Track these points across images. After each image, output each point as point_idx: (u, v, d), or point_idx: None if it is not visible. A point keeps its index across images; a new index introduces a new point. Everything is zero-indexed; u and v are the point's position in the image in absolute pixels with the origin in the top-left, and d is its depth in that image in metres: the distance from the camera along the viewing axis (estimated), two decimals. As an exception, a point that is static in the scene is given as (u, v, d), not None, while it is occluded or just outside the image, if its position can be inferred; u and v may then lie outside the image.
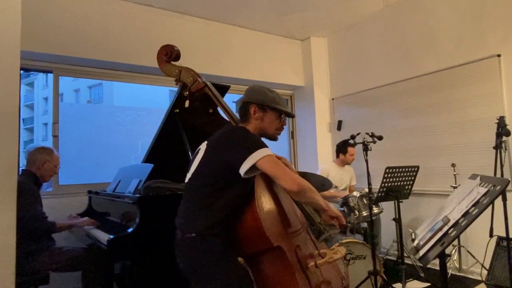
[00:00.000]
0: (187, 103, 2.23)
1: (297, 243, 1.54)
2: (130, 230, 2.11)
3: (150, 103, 7.37)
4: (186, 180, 1.57)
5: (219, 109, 1.98)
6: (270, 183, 1.58)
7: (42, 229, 2.37)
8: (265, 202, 1.47)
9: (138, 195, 2.23)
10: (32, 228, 2.31)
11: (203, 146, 1.58)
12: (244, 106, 1.61)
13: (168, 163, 2.53)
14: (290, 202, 1.68)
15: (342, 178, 3.78)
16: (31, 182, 2.45)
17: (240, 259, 1.50)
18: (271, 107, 1.58)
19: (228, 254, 1.41)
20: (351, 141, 2.89)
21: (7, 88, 1.51)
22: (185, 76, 1.95)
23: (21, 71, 3.35)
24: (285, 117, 1.66)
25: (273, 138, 1.65)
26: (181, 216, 1.51)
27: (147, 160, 2.68)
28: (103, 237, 2.23)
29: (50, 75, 3.44)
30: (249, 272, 1.44)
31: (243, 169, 1.37)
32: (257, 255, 1.45)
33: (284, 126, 1.68)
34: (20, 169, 3.18)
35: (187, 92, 2.42)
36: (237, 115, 1.86)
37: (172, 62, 1.98)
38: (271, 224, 1.44)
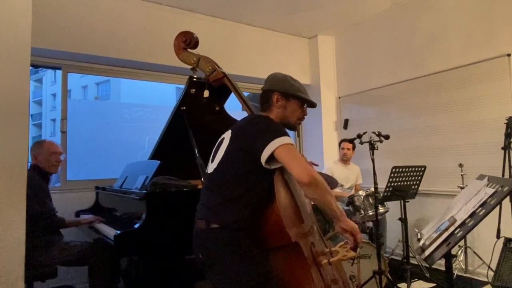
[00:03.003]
0: (206, 93, 2.19)
1: (311, 240, 1.54)
2: (136, 225, 2.13)
3: (157, 100, 7.43)
4: (211, 170, 1.53)
5: (240, 103, 1.92)
6: (287, 180, 1.58)
7: (53, 225, 2.42)
8: (284, 198, 1.47)
9: (144, 191, 2.25)
10: (44, 224, 2.36)
11: (227, 135, 1.54)
12: (265, 94, 1.57)
13: (175, 160, 2.55)
14: (304, 199, 1.68)
15: (347, 177, 3.78)
16: (38, 176, 2.48)
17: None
18: (294, 96, 1.55)
19: (252, 250, 1.39)
20: (358, 140, 2.88)
21: (18, 84, 1.54)
22: (203, 64, 1.87)
23: (30, 68, 3.39)
24: (307, 107, 1.63)
25: (294, 127, 1.62)
26: (205, 206, 1.47)
27: (153, 156, 2.70)
28: (110, 232, 2.26)
29: (59, 72, 3.48)
30: (270, 269, 1.43)
31: (263, 158, 1.35)
32: (275, 250, 1.45)
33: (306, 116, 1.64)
34: (29, 163, 3.22)
35: (193, 90, 2.44)
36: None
37: (190, 50, 1.91)
38: (290, 220, 1.44)
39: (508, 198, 2.44)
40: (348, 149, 3.77)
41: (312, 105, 1.63)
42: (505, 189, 1.20)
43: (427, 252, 1.31)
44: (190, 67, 1.89)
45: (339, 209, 1.48)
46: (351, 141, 3.68)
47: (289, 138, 1.40)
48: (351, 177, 3.81)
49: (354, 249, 1.44)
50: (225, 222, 1.39)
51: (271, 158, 1.36)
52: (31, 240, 2.21)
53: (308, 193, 1.40)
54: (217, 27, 4.06)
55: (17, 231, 1.51)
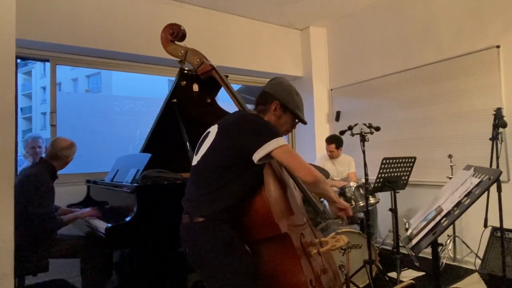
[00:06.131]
0: (195, 87, 2.18)
1: (301, 231, 1.56)
2: (128, 219, 2.13)
3: (149, 92, 7.35)
4: (194, 163, 1.54)
5: (229, 97, 1.91)
6: (277, 171, 1.59)
7: (50, 228, 2.34)
8: (274, 190, 1.48)
9: (135, 184, 2.25)
10: (41, 226, 2.28)
11: (213, 129, 1.55)
12: (265, 97, 1.58)
13: (166, 153, 2.54)
14: (294, 191, 1.69)
15: (337, 169, 3.80)
16: (48, 175, 2.42)
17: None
18: (292, 112, 1.58)
19: (236, 241, 1.40)
20: (349, 132, 2.89)
21: (2, 77, 1.51)
22: (191, 57, 1.86)
23: (18, 60, 3.33)
24: (297, 123, 1.66)
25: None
26: (190, 199, 1.49)
27: (145, 149, 2.69)
28: (102, 225, 2.26)
29: (48, 64, 3.42)
30: (256, 260, 1.44)
31: (257, 156, 1.37)
32: (264, 242, 1.46)
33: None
34: (19, 157, 3.18)
35: (184, 82, 2.42)
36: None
37: (177, 42, 1.89)
38: (280, 211, 1.45)
39: (495, 187, 2.48)
40: (331, 151, 3.77)
41: (303, 123, 1.67)
42: (490, 178, 1.22)
43: (414, 241, 1.33)
44: (178, 60, 1.87)
45: (335, 194, 1.60)
46: (332, 140, 3.70)
47: (283, 139, 1.43)
48: (341, 169, 3.83)
49: (350, 222, 1.61)
50: (207, 215, 1.40)
51: (265, 157, 1.38)
52: (24, 236, 2.21)
53: (312, 189, 1.53)
54: (209, 18, 4.01)
55: (5, 229, 1.50)
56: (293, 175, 1.71)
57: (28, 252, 2.26)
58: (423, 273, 3.06)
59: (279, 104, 1.56)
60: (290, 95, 1.59)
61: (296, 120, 1.64)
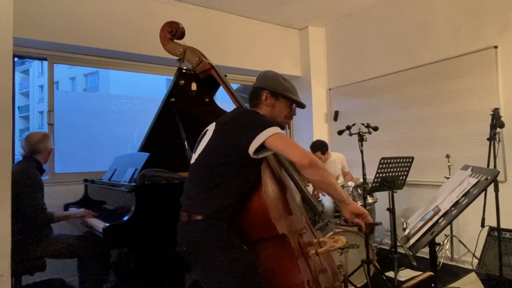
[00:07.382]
0: (194, 86, 2.18)
1: (300, 232, 1.56)
2: (125, 218, 2.13)
3: (147, 91, 7.33)
4: (193, 161, 1.54)
5: (227, 95, 1.91)
6: (275, 172, 1.58)
7: (41, 220, 2.36)
8: (271, 190, 1.48)
9: (133, 183, 2.24)
10: (32, 219, 2.31)
11: (211, 127, 1.56)
12: (255, 91, 1.60)
13: (164, 152, 2.53)
14: (293, 191, 1.69)
15: (329, 170, 3.79)
16: (35, 169, 2.45)
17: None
18: (283, 95, 1.58)
19: (234, 240, 1.40)
20: (347, 131, 2.89)
21: None
22: (190, 55, 1.86)
23: (16, 58, 3.31)
24: (296, 107, 1.65)
25: (282, 126, 1.62)
26: (188, 196, 1.48)
27: (143, 149, 2.68)
28: (99, 225, 2.25)
29: (45, 63, 3.40)
30: (254, 259, 1.44)
31: (252, 148, 1.36)
32: (261, 242, 1.46)
33: (294, 116, 1.67)
34: (16, 156, 3.17)
35: (182, 81, 2.41)
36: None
37: (176, 41, 1.89)
38: (277, 212, 1.44)
39: (492, 187, 2.49)
40: (319, 157, 3.76)
41: (301, 105, 1.65)
42: (488, 178, 1.23)
43: (412, 241, 1.34)
44: (176, 58, 1.86)
45: (345, 193, 1.49)
46: (316, 148, 3.68)
47: (278, 128, 1.41)
48: (334, 169, 3.82)
49: (369, 231, 1.49)
50: (205, 213, 1.39)
51: (260, 148, 1.37)
52: (21, 234, 2.20)
53: (310, 176, 1.39)
54: (207, 17, 4.01)
55: (3, 225, 1.49)
56: (291, 173, 1.70)
57: (24, 250, 2.25)
58: (421, 272, 3.07)
59: (268, 92, 1.57)
60: (276, 81, 1.59)
61: (293, 106, 1.63)
